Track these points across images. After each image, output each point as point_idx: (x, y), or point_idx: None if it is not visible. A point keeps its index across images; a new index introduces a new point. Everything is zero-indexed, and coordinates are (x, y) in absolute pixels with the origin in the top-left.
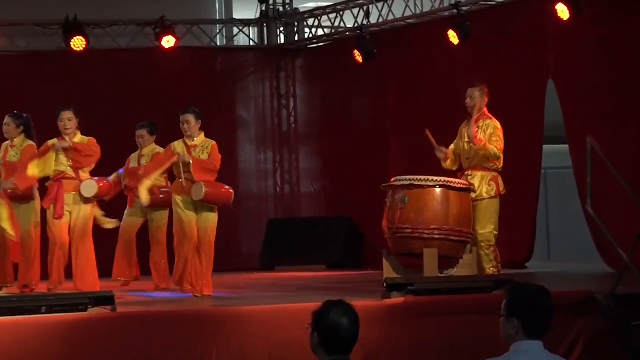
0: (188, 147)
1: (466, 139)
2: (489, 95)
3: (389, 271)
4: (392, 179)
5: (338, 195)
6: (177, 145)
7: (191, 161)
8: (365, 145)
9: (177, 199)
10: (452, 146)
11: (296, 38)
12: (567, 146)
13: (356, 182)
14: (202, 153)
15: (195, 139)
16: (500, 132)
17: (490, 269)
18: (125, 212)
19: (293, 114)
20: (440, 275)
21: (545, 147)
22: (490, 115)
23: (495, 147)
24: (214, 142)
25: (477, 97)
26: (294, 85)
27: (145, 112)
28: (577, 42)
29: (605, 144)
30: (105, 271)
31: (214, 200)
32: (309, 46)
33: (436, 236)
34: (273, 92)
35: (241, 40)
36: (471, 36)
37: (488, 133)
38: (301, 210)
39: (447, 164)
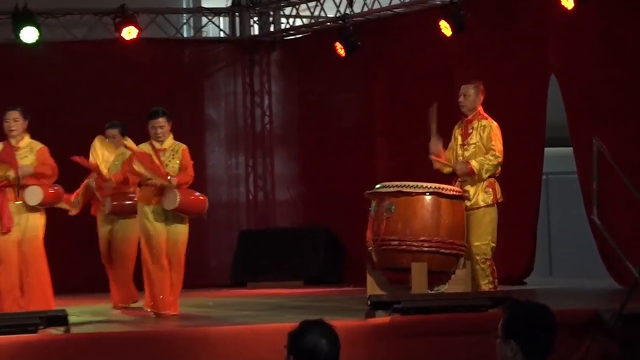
0: (156, 151)
1: (460, 142)
2: (485, 93)
3: (373, 287)
4: (378, 185)
5: (317, 204)
6: (144, 148)
7: (176, 185)
8: (348, 147)
9: (146, 209)
10: (449, 153)
11: (272, 29)
12: (570, 149)
13: (338, 188)
14: (172, 158)
15: (164, 142)
16: (498, 133)
17: (485, 285)
18: (98, 225)
19: (268, 113)
20: (430, 292)
21: (547, 149)
22: (486, 114)
23: (494, 149)
24: (184, 146)
25: (471, 95)
26: (268, 81)
27: (103, 111)
28: (582, 34)
29: (613, 146)
30: (63, 287)
31: (187, 210)
32: (285, 38)
33: (426, 249)
34: (246, 88)
35: (210, 31)
36: (465, 27)
37: (485, 135)
38: (276, 219)
39: (439, 166)
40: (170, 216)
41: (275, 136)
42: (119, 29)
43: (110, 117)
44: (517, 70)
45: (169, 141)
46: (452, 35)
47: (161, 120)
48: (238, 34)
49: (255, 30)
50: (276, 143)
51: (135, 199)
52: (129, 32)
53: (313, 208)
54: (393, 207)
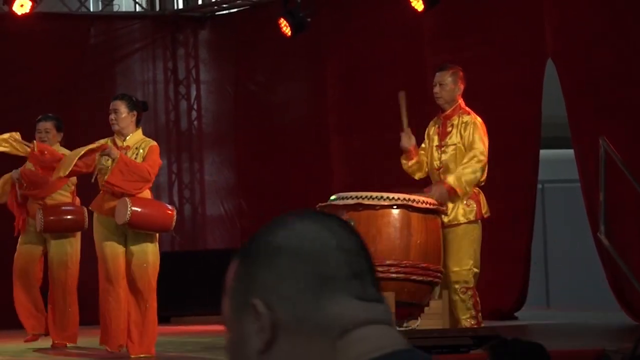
0: (118, 149)
1: (436, 142)
2: (466, 82)
3: None
4: (333, 197)
5: (258, 219)
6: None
7: (116, 158)
8: (296, 149)
9: (97, 222)
10: (422, 153)
11: (199, 2)
12: (572, 151)
13: (283, 201)
14: (135, 157)
15: (129, 137)
16: (482, 130)
17: (466, 321)
18: (19, 240)
19: (195, 106)
20: (398, 329)
21: (542, 152)
22: (468, 109)
23: (474, 149)
24: (154, 143)
25: (449, 84)
26: (196, 67)
27: None
28: (583, 8)
29: (625, 147)
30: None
31: (144, 225)
32: (217, 13)
33: (393, 275)
34: (168, 76)
35: (123, 4)
36: (440, 0)
37: (466, 134)
38: (207, 239)
39: (410, 166)
40: (132, 232)
41: (205, 136)
42: (8, 2)
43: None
44: (505, 54)
45: (135, 137)
46: (424, 9)
47: (117, 103)
48: (157, 7)
49: (180, 3)
50: (206, 144)
51: (72, 214)
52: (21, 5)
53: (253, 225)
54: (352, 224)
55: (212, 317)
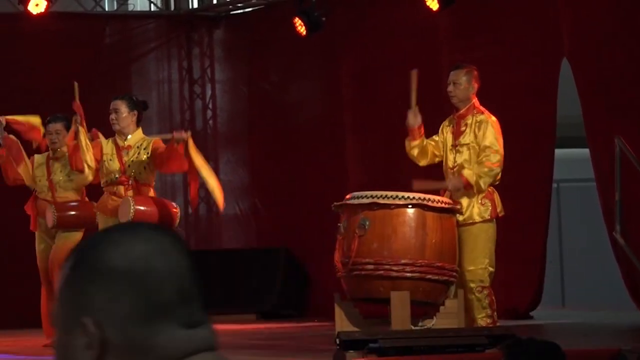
0: (119, 149)
1: (450, 142)
2: (481, 81)
3: (342, 322)
4: (348, 196)
5: (273, 219)
6: (106, 146)
7: (188, 140)
8: (311, 149)
9: (103, 224)
10: (430, 141)
11: (215, 1)
12: (587, 150)
13: (298, 200)
14: (137, 155)
15: (130, 136)
16: (497, 128)
17: (482, 320)
18: (36, 241)
19: (210, 106)
20: (413, 328)
21: (557, 151)
22: (482, 107)
23: (490, 148)
24: (156, 138)
25: (463, 83)
26: (211, 66)
27: (3, 102)
28: (597, 8)
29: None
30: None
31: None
32: (232, 12)
33: (408, 274)
34: (183, 75)
35: (138, 4)
36: (455, 0)
37: (480, 133)
38: (222, 239)
39: (412, 147)
40: None
41: (220, 135)
42: (24, 2)
43: (7, 105)
44: (520, 53)
45: (136, 136)
46: (439, 9)
47: (117, 103)
48: (172, 7)
49: (195, 2)
50: (221, 144)
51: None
52: (37, 5)
53: (268, 225)
54: (367, 223)
55: (228, 317)
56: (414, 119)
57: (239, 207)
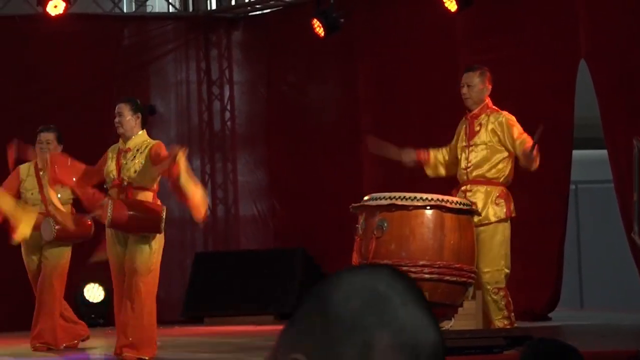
0: (119, 152)
1: (464, 143)
2: (497, 83)
3: None
4: (366, 197)
5: (291, 220)
6: (110, 152)
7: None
8: (329, 150)
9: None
10: (443, 150)
11: (233, 2)
12: (605, 151)
13: (316, 201)
14: (133, 159)
15: (130, 140)
16: (515, 121)
17: (500, 321)
18: (25, 254)
19: (229, 107)
20: None
21: (575, 153)
22: (495, 107)
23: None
24: (156, 142)
25: (476, 85)
26: (229, 67)
27: (23, 103)
28: (615, 9)
29: None
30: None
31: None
32: (250, 14)
33: (426, 276)
34: (201, 77)
35: (157, 5)
36: (474, 1)
37: (502, 132)
38: (240, 240)
39: (432, 169)
40: (132, 236)
41: (238, 136)
42: (42, 3)
43: (27, 107)
44: (537, 54)
45: (137, 139)
46: (457, 10)
47: (121, 106)
48: (191, 8)
49: (213, 4)
50: (239, 145)
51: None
52: (55, 6)
53: (286, 226)
54: (385, 224)
55: (246, 318)
56: (408, 157)
57: (256, 208)
